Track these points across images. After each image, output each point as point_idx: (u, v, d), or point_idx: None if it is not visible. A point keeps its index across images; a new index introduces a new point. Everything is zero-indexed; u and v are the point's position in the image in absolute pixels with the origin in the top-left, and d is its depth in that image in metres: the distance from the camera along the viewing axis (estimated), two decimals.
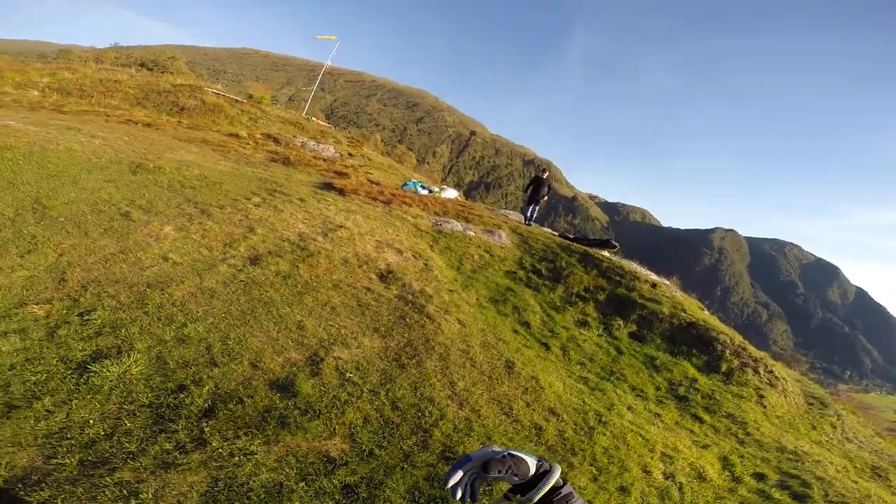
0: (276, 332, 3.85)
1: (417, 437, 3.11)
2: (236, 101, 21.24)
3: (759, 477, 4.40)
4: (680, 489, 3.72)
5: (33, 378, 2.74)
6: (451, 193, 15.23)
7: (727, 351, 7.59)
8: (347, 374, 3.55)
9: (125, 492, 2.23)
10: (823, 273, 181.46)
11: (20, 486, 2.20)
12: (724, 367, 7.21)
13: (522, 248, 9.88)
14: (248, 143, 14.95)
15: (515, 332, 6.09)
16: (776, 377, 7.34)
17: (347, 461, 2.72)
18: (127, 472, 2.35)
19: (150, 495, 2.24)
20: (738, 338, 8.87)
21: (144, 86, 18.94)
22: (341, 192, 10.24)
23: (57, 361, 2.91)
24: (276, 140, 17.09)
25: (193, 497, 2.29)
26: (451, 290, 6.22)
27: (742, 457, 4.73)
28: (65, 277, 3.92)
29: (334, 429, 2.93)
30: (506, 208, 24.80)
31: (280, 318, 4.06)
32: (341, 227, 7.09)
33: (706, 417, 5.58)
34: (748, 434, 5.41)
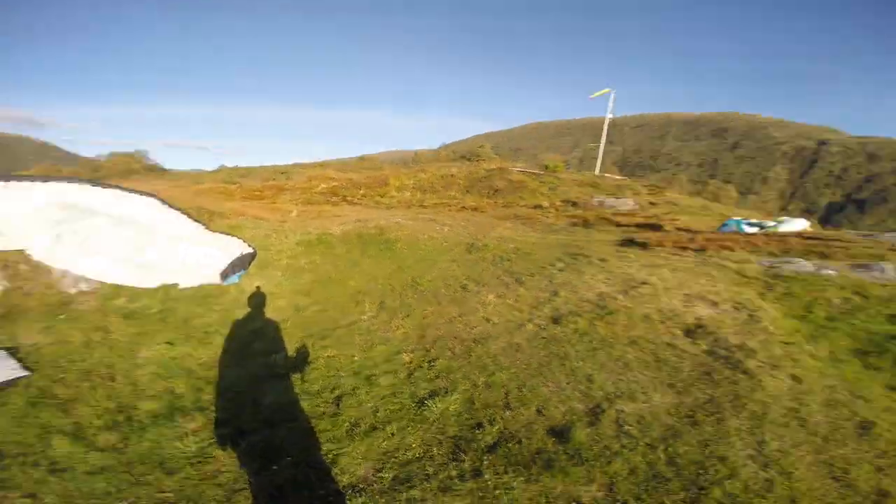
0: (566, 383, 4.26)
1: (688, 494, 2.82)
2: (535, 174, 24.52)
3: None
4: None
5: (392, 407, 4.02)
6: (796, 224, 12.46)
7: None
8: (626, 427, 3.55)
9: None
10: None
11: (350, 490, 3.11)
12: None
13: None
14: (550, 212, 16.89)
15: (892, 388, 4.35)
16: None
17: None
18: (417, 490, 3.07)
19: None
20: None
21: (468, 175, 24.44)
22: (644, 245, 10.08)
23: (408, 396, 4.19)
24: (574, 204, 18.60)
25: None
26: (786, 343, 5.09)
27: None
28: (424, 335, 5.67)
29: (594, 476, 3.02)
30: None
31: (571, 371, 4.47)
32: (644, 283, 7.01)
33: None
34: None
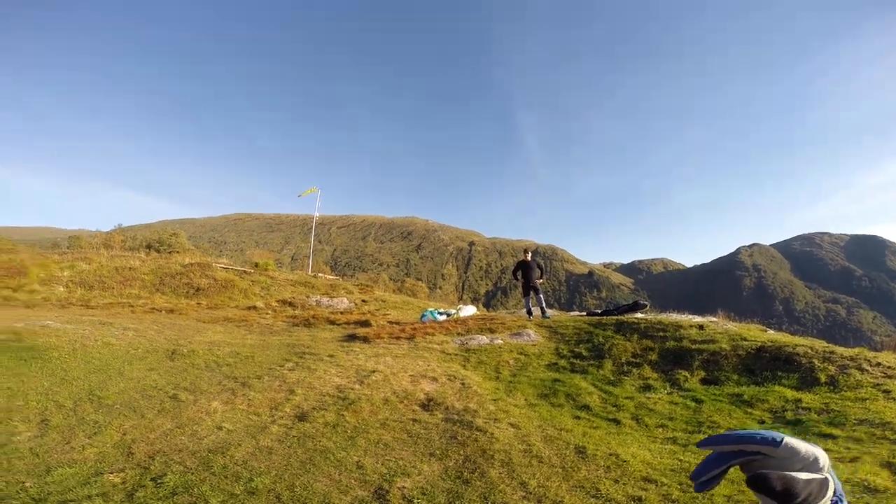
0: (338, 474, 4.18)
1: None
2: (245, 272, 23.18)
3: None
4: None
5: None
6: (469, 311, 15.86)
7: (815, 360, 7.25)
8: (415, 500, 3.75)
9: None
10: (868, 247, 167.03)
11: None
12: (822, 378, 6.73)
13: (555, 339, 10.18)
14: (267, 313, 16.12)
15: (577, 417, 6.17)
16: (889, 367, 6.88)
17: None
18: None
19: None
20: (820, 343, 8.50)
21: (157, 270, 20.88)
22: (365, 339, 10.94)
23: None
24: (291, 304, 18.38)
25: None
26: (494, 400, 6.51)
27: None
28: (132, 451, 4.50)
29: None
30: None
31: (338, 462, 4.41)
32: (374, 371, 7.60)
33: (837, 432, 5.03)
34: None
